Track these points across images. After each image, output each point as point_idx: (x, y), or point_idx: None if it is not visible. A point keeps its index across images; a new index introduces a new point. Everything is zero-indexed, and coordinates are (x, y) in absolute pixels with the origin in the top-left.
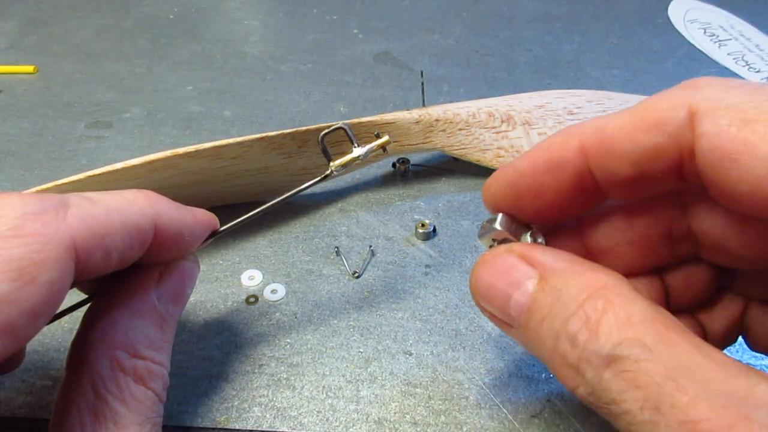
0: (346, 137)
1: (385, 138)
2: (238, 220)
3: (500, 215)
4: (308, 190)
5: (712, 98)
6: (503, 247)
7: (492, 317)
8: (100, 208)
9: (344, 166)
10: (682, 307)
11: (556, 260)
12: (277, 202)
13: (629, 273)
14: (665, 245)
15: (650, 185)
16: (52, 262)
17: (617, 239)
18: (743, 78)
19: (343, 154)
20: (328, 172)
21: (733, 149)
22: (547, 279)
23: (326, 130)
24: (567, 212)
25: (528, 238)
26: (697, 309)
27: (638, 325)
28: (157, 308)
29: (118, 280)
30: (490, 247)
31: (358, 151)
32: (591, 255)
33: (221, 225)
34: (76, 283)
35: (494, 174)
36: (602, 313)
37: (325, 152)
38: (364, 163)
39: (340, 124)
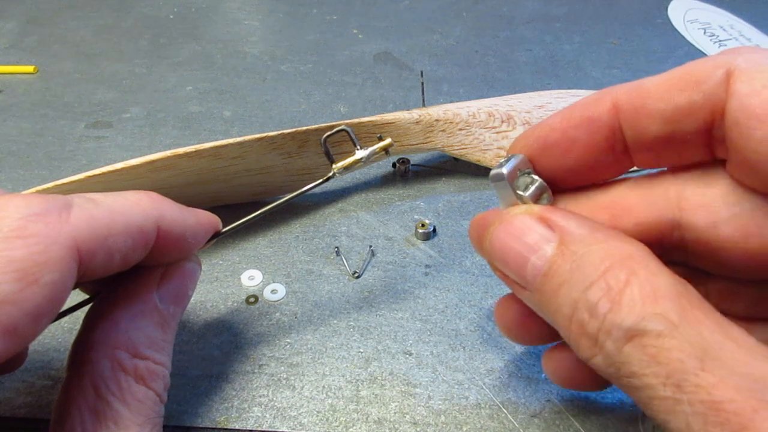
0: (348, 138)
1: (388, 141)
2: (240, 221)
3: (514, 159)
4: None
5: (752, 61)
6: (523, 207)
7: (505, 278)
8: (102, 209)
9: (347, 168)
10: None
11: (578, 225)
12: (279, 204)
13: None
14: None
15: (677, 149)
16: (55, 263)
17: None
18: None
19: (345, 154)
20: (330, 174)
21: (762, 110)
22: (567, 244)
23: (329, 132)
24: (591, 175)
25: (531, 188)
26: None
27: (663, 299)
28: (158, 308)
29: (120, 281)
30: (507, 200)
31: (360, 154)
32: None
33: (222, 226)
34: (79, 284)
35: (526, 131)
36: (625, 284)
37: (327, 154)
38: (364, 164)
39: (342, 126)
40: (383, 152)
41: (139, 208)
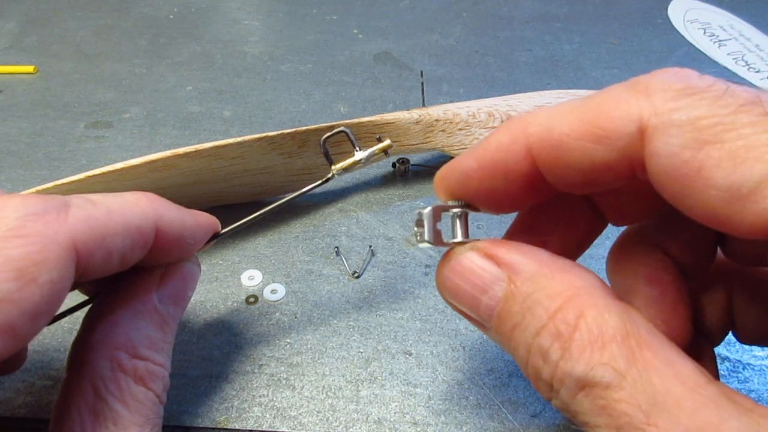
0: (347, 139)
1: (387, 142)
2: (240, 222)
3: (426, 218)
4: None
5: (664, 111)
6: (468, 245)
7: (464, 315)
8: (101, 209)
9: (346, 169)
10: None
11: (524, 260)
12: (278, 205)
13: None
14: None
15: (605, 186)
16: (53, 262)
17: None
18: (743, 79)
19: (345, 154)
20: (329, 175)
21: (685, 174)
22: (516, 283)
23: (328, 134)
24: (521, 205)
25: (458, 227)
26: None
27: (610, 343)
28: (158, 309)
29: (119, 281)
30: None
31: (359, 155)
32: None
33: (222, 226)
34: (78, 285)
35: (441, 172)
36: (574, 329)
37: (326, 155)
38: (364, 165)
39: (341, 127)
40: (382, 153)
41: (138, 209)
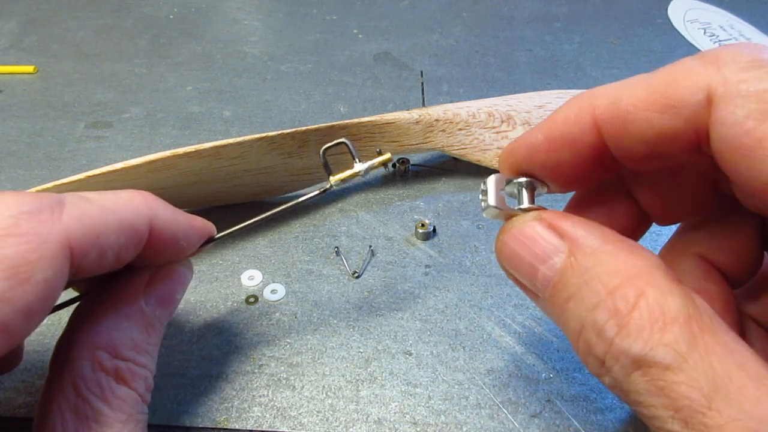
0: (347, 137)
1: (387, 155)
2: (235, 228)
3: (491, 184)
4: (308, 190)
5: (732, 81)
6: (532, 213)
7: (517, 283)
8: (95, 207)
9: (344, 180)
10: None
11: (588, 235)
12: (275, 213)
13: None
14: (708, 196)
15: (669, 161)
16: (47, 261)
17: (659, 194)
18: None
19: (345, 159)
20: (328, 186)
21: (747, 144)
22: (576, 256)
23: (328, 144)
24: (587, 182)
25: (524, 195)
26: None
27: (672, 325)
28: (143, 311)
29: (109, 280)
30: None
31: (359, 167)
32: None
33: (221, 226)
34: (72, 283)
35: (509, 147)
36: (633, 307)
37: (325, 166)
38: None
39: (342, 139)
40: (382, 166)
41: (132, 207)
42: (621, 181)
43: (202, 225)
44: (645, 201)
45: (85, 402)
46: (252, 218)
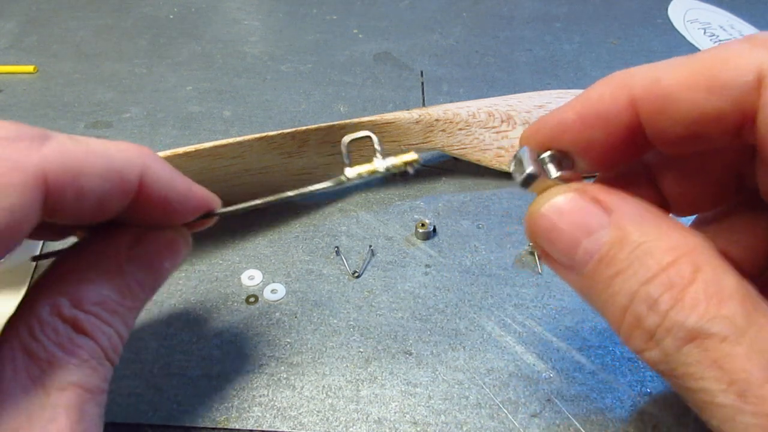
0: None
1: (413, 156)
2: (239, 206)
3: (526, 152)
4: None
5: None
6: (573, 184)
7: (546, 257)
8: (82, 146)
9: (361, 176)
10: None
11: (637, 211)
12: (280, 198)
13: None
14: (730, 188)
15: (704, 144)
16: (17, 188)
17: (683, 183)
18: None
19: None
20: (343, 178)
21: None
22: (625, 231)
23: (353, 136)
24: (615, 163)
25: (562, 169)
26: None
27: (729, 300)
28: (122, 270)
29: (95, 234)
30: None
31: (379, 163)
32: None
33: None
34: (57, 228)
35: (536, 123)
36: (690, 281)
37: (347, 157)
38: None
39: (367, 132)
40: (404, 166)
41: (124, 155)
42: (645, 166)
43: (203, 195)
44: (668, 188)
45: (38, 344)
46: (255, 201)
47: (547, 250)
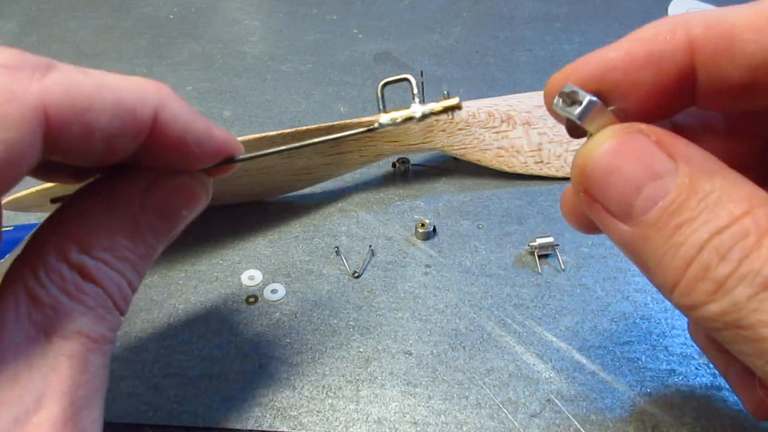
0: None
1: (455, 100)
2: (261, 152)
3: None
4: (308, 189)
5: None
6: (635, 125)
7: (592, 204)
8: (91, 80)
9: (395, 122)
10: None
11: (704, 159)
12: (307, 144)
13: None
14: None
15: (754, 96)
16: (12, 120)
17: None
18: None
19: (346, 151)
20: (375, 124)
21: None
22: (694, 179)
23: (390, 79)
24: (659, 113)
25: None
26: None
27: None
28: (135, 215)
29: (108, 176)
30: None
31: (416, 108)
32: None
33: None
34: (72, 170)
35: (577, 62)
36: (765, 232)
37: (381, 100)
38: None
39: (407, 75)
40: (444, 113)
41: (138, 90)
42: (683, 127)
43: (224, 138)
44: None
45: (43, 289)
46: (277, 148)
47: (599, 197)
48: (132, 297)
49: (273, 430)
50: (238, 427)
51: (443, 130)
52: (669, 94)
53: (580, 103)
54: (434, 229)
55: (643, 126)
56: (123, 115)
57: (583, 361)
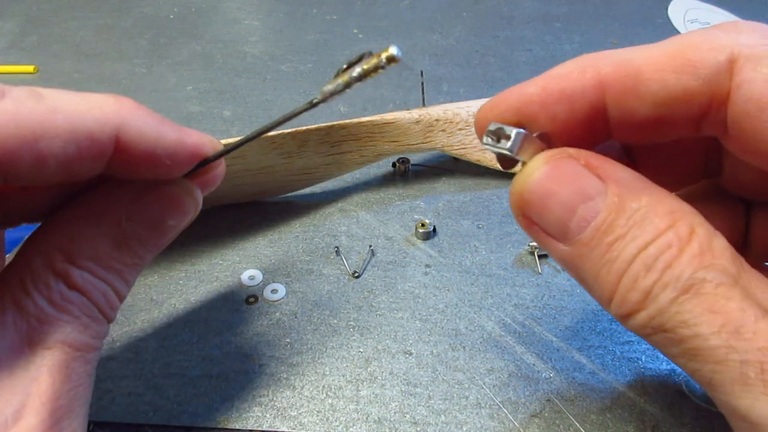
0: (347, 137)
1: (392, 49)
2: (239, 139)
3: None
4: (308, 189)
5: (756, 44)
6: (565, 150)
7: (531, 227)
8: (44, 107)
9: (338, 89)
10: None
11: (630, 178)
12: (289, 118)
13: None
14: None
15: (664, 129)
16: None
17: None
18: None
19: (345, 153)
20: (317, 97)
21: None
22: (622, 197)
23: (351, 60)
24: (573, 142)
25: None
26: None
27: (721, 256)
28: (121, 226)
29: (94, 188)
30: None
31: (354, 72)
32: None
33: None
34: (33, 190)
35: (497, 97)
36: (687, 241)
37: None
38: (365, 162)
39: (366, 50)
40: (380, 67)
41: (95, 113)
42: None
43: (197, 142)
44: (642, 164)
45: (28, 297)
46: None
47: (537, 220)
48: (120, 305)
49: (273, 430)
50: (238, 427)
51: (443, 130)
52: (584, 127)
53: (509, 137)
54: (434, 229)
55: (572, 150)
56: (79, 140)
57: (583, 361)
